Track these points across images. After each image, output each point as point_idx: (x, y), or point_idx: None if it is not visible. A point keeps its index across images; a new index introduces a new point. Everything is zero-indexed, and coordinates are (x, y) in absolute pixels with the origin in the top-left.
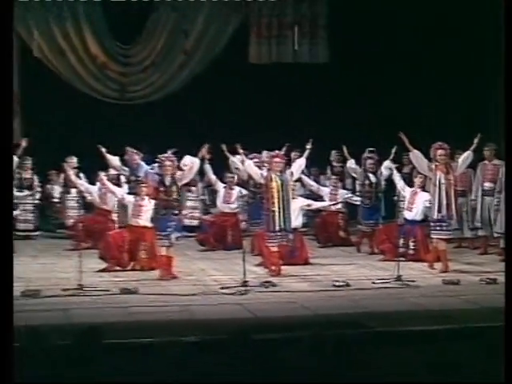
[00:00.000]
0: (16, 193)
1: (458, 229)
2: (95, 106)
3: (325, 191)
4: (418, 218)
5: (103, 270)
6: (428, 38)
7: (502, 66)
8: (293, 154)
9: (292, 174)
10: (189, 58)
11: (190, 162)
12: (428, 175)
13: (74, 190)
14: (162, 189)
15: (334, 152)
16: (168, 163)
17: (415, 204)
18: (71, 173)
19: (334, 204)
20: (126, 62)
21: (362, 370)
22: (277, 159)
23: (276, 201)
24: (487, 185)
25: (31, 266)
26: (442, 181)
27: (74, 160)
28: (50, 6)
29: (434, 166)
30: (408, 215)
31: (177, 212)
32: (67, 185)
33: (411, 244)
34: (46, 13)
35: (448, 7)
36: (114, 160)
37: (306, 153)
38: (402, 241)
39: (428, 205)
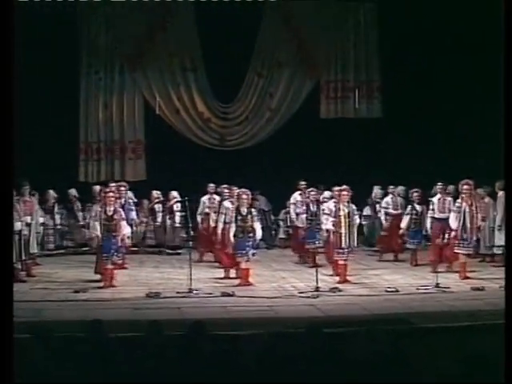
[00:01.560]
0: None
1: (476, 246)
2: (199, 150)
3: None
4: (448, 216)
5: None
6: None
7: None
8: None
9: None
10: (274, 114)
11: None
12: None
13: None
14: (239, 217)
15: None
16: (244, 196)
17: (444, 207)
18: (174, 203)
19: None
20: (225, 117)
21: (408, 357)
22: (344, 192)
23: (343, 225)
24: (495, 213)
25: (153, 275)
26: (467, 210)
27: (174, 194)
28: (167, 74)
29: (460, 199)
30: (440, 215)
31: (251, 235)
32: (166, 212)
33: (447, 235)
34: (164, 79)
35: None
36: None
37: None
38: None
39: (454, 208)
